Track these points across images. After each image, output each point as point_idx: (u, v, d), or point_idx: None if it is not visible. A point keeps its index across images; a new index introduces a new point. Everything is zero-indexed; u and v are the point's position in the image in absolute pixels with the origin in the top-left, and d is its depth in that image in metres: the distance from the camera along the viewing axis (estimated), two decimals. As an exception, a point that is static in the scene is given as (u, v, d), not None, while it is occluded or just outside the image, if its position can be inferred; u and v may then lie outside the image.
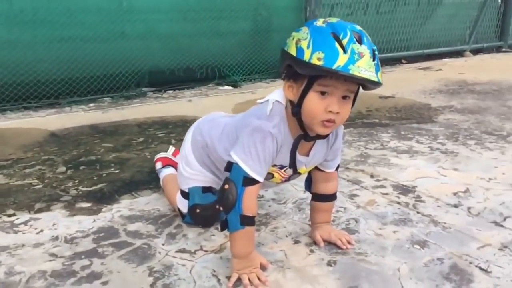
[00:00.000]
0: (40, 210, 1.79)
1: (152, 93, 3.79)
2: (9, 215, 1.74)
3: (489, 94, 3.86)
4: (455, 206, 1.84)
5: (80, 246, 1.54)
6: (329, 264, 1.45)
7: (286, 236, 1.61)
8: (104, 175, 2.13)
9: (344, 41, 1.18)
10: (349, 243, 1.54)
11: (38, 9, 3.20)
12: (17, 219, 1.72)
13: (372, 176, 2.13)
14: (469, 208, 1.82)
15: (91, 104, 3.40)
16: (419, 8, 5.62)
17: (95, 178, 2.09)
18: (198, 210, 1.60)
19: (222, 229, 1.37)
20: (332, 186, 1.57)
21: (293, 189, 1.96)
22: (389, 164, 2.28)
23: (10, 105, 3.19)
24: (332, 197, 1.57)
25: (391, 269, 1.42)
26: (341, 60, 1.17)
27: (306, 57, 1.20)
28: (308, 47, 1.20)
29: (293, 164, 1.42)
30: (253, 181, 1.32)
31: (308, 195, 1.66)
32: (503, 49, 6.66)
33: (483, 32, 6.47)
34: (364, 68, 1.18)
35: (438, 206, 1.84)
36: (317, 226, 1.58)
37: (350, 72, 1.17)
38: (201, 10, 3.95)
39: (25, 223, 1.69)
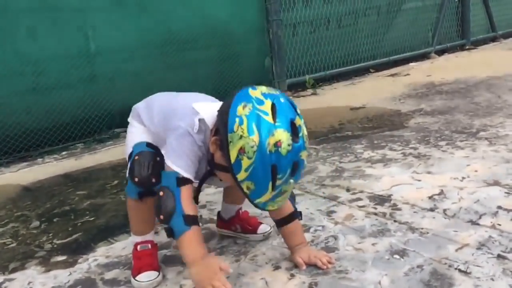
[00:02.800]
0: (14, 270, 1.74)
1: (125, 133, 3.75)
2: (-18, 280, 1.69)
3: (456, 93, 3.94)
4: (431, 210, 1.85)
5: (57, 302, 1.50)
6: (310, 286, 1.43)
7: (266, 263, 1.59)
8: (79, 224, 2.09)
9: (278, 182, 1.28)
10: (329, 262, 1.52)
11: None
12: (-10, 282, 1.67)
13: (348, 190, 2.13)
14: (445, 210, 1.83)
15: (64, 153, 3.36)
16: (380, 18, 5.75)
17: (70, 229, 2.05)
18: (137, 157, 1.48)
19: (169, 236, 1.39)
20: (284, 207, 1.54)
21: (270, 214, 1.95)
22: (364, 175, 2.29)
23: (-20, 164, 3.14)
24: (291, 217, 1.56)
25: (372, 283, 1.41)
26: (265, 197, 1.31)
27: (239, 177, 1.28)
28: (246, 170, 1.27)
29: (201, 183, 1.50)
30: (186, 181, 1.38)
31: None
32: (467, 47, 6.82)
33: (445, 33, 6.64)
34: (279, 201, 1.36)
35: (414, 212, 1.85)
36: (295, 249, 1.57)
37: (266, 208, 1.37)
38: (166, 45, 3.98)
39: (-1, 285, 1.64)
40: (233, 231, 1.80)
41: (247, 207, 1.92)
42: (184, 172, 1.37)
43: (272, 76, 4.66)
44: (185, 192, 1.36)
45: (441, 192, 2.00)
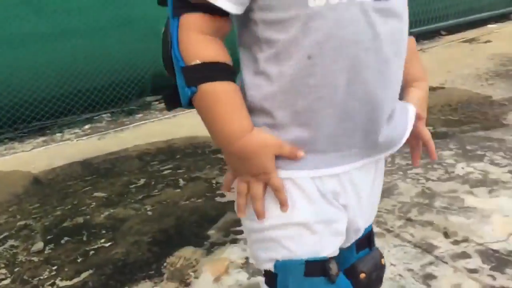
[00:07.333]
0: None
1: (157, 102, 3.26)
2: None
3: (559, 75, 3.20)
4: None
5: None
6: None
7: None
8: (91, 253, 1.64)
9: None
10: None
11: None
12: None
13: (446, 235, 1.57)
14: None
15: (86, 127, 2.90)
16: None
17: (79, 259, 1.61)
18: None
19: (169, 108, 0.77)
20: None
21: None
22: (464, 208, 1.72)
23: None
24: None
25: None
26: None
27: None
28: None
29: None
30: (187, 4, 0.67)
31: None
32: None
33: (530, -11, 5.66)
34: None
35: (554, 292, 1.29)
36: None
37: None
38: None
39: None
40: None
41: None
42: None
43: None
44: (185, 22, 0.67)
45: None
